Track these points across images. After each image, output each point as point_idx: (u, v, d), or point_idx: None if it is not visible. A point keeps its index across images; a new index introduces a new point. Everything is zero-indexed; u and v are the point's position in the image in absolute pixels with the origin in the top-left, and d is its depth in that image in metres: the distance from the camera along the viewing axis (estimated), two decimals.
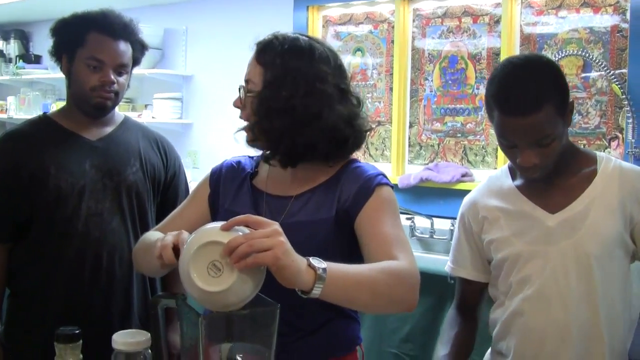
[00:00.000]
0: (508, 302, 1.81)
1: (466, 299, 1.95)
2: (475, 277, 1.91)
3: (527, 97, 1.61)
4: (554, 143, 1.65)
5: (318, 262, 1.31)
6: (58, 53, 2.13)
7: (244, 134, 1.69)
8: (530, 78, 1.65)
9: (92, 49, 2.05)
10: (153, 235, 1.68)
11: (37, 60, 5.79)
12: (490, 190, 1.87)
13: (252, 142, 1.67)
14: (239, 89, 1.65)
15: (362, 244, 1.56)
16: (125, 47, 2.09)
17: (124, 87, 2.12)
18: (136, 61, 2.18)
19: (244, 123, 1.66)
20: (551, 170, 1.72)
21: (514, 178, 1.84)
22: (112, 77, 2.05)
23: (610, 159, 1.78)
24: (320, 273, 1.29)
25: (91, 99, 2.06)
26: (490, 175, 1.93)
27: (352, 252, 1.58)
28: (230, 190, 1.73)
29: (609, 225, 1.71)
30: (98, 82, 2.04)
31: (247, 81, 1.64)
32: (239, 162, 1.79)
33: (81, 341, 1.38)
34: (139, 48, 2.17)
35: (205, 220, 1.69)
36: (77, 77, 2.07)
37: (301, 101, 1.57)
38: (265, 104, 1.58)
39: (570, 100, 1.68)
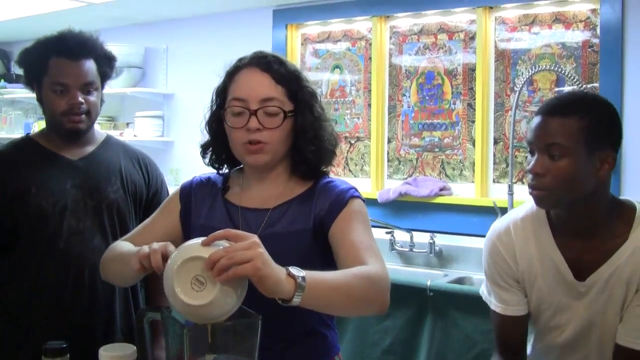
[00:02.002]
0: (538, 337, 1.87)
1: (511, 338, 1.85)
2: (523, 312, 1.83)
3: (561, 102, 1.69)
4: (563, 162, 1.62)
5: (297, 271, 1.35)
6: (28, 82, 2.16)
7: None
8: (577, 96, 1.80)
9: (54, 74, 2.07)
10: (122, 245, 1.70)
11: (18, 79, 5.78)
12: (526, 232, 1.80)
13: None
14: (254, 112, 1.62)
15: (335, 252, 1.61)
16: (88, 65, 2.09)
17: (96, 105, 2.13)
18: (105, 75, 2.18)
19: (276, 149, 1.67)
20: (588, 227, 1.71)
21: (551, 224, 1.77)
22: (80, 98, 2.06)
23: None
24: (300, 281, 1.33)
25: (64, 124, 2.08)
26: (524, 216, 1.82)
27: (326, 261, 1.62)
28: (202, 206, 1.76)
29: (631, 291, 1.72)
30: (66, 105, 2.06)
31: (269, 99, 1.63)
32: (208, 178, 1.82)
33: (68, 355, 1.40)
34: (105, 62, 2.16)
35: (175, 234, 1.74)
36: (47, 103, 2.10)
37: (324, 115, 1.74)
38: (318, 123, 1.70)
39: (612, 155, 1.64)
